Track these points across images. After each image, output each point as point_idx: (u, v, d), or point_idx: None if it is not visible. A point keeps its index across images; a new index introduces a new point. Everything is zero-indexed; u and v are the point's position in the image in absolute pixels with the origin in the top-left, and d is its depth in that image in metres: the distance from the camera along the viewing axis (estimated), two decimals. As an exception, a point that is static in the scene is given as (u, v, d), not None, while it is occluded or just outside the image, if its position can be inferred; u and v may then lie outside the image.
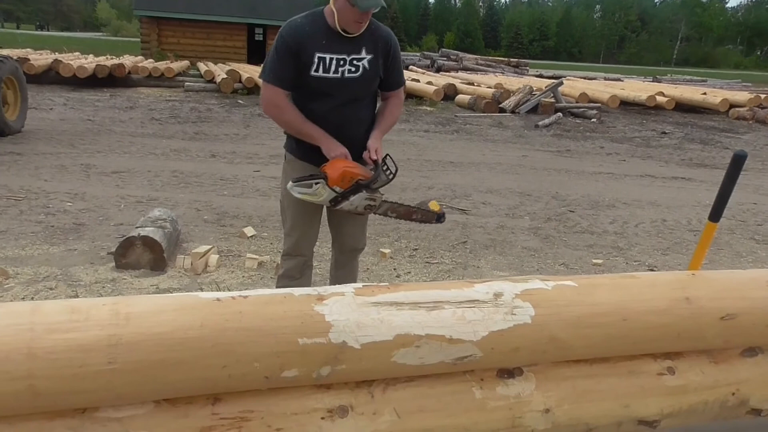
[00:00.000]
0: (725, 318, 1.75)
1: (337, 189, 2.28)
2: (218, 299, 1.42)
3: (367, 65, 2.33)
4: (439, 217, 2.56)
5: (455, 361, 1.54)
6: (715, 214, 1.86)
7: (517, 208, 5.93)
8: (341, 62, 2.28)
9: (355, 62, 2.31)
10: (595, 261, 4.42)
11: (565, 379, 1.70)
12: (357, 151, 2.45)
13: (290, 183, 2.47)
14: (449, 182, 6.88)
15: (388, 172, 2.36)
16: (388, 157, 2.38)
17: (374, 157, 2.39)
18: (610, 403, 1.73)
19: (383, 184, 2.35)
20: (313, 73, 2.27)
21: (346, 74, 2.30)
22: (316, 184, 2.35)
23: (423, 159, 8.21)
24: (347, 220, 2.69)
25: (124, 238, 3.79)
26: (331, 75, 2.28)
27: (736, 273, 1.87)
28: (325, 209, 2.66)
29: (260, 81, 2.43)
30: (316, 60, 2.28)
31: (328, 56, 2.28)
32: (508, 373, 1.66)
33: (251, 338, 1.37)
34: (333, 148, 2.37)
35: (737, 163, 1.77)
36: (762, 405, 1.89)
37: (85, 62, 15.76)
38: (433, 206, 2.61)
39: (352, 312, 1.46)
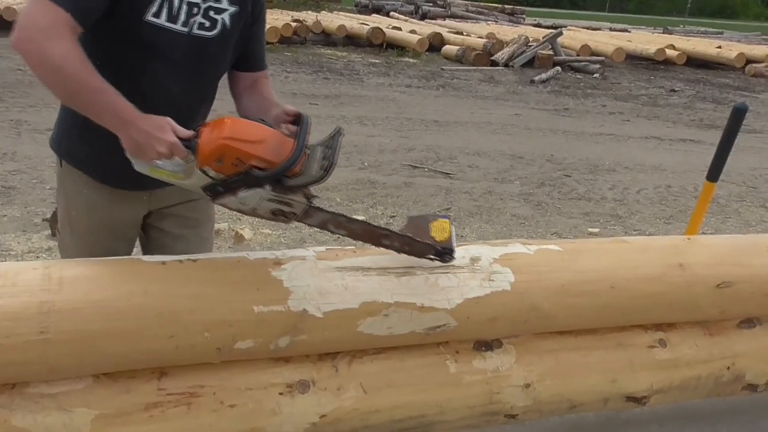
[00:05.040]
0: (721, 286, 1.81)
1: (210, 172, 1.45)
2: (163, 263, 1.44)
3: (227, 21, 1.68)
4: (442, 254, 1.64)
5: (427, 332, 1.58)
6: (714, 174, 1.92)
7: (507, 172, 5.98)
8: (194, 10, 1.61)
9: (211, 14, 1.65)
10: (591, 230, 4.51)
11: (548, 352, 1.76)
12: None
13: None
14: (432, 143, 6.89)
15: (324, 162, 1.45)
16: (338, 134, 1.50)
17: (289, 119, 1.60)
18: (596, 377, 1.79)
19: (309, 181, 1.46)
20: (150, 17, 1.55)
21: (195, 30, 1.62)
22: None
23: (403, 117, 8.19)
24: (183, 243, 1.86)
25: (62, 202, 3.76)
26: (178, 27, 1.59)
27: (735, 238, 1.94)
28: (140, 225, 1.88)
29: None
30: None
31: None
32: (485, 345, 1.71)
33: (201, 306, 1.39)
34: (149, 135, 1.43)
35: (737, 117, 1.82)
36: (759, 380, 1.97)
37: (14, 2, 15.29)
38: (439, 231, 1.68)
39: (313, 277, 1.49)
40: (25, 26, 1.41)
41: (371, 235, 1.63)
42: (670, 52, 15.62)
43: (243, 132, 1.44)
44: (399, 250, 1.65)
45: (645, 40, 19.21)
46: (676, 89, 12.52)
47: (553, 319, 1.70)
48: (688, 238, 1.91)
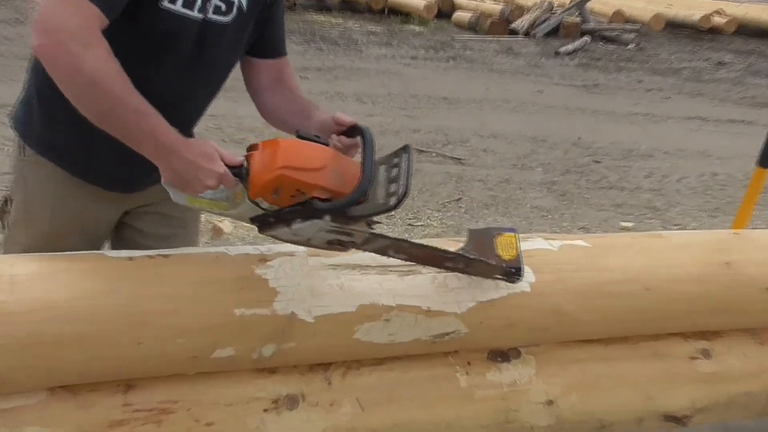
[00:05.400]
0: (774, 288, 1.81)
1: (264, 204, 1.47)
2: (130, 258, 1.44)
3: (244, 3, 1.69)
4: (510, 274, 1.67)
5: (434, 339, 1.58)
6: (766, 159, 1.91)
7: (527, 157, 5.99)
8: None
9: None
10: (623, 224, 4.52)
11: (573, 363, 1.76)
12: None
13: None
14: (441, 124, 6.89)
15: (393, 187, 1.45)
16: (404, 151, 1.48)
17: (342, 129, 1.61)
18: (630, 393, 1.79)
19: (376, 212, 1.48)
20: (166, 3, 1.56)
21: (211, 14, 1.64)
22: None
23: (408, 94, 8.19)
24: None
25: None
26: (194, 13, 1.60)
27: (791, 232, 1.94)
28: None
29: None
30: None
31: None
32: (501, 355, 1.71)
33: (174, 308, 1.39)
34: (196, 165, 1.40)
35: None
36: (818, 397, 1.97)
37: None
38: (505, 248, 1.71)
39: (303, 276, 1.50)
40: (52, 28, 1.34)
41: (434, 258, 1.65)
42: (717, 19, 15.55)
43: (301, 158, 1.41)
44: (463, 271, 1.67)
45: (688, 4, 19.13)
46: (725, 62, 12.49)
47: (578, 324, 1.70)
48: (736, 233, 1.91)
